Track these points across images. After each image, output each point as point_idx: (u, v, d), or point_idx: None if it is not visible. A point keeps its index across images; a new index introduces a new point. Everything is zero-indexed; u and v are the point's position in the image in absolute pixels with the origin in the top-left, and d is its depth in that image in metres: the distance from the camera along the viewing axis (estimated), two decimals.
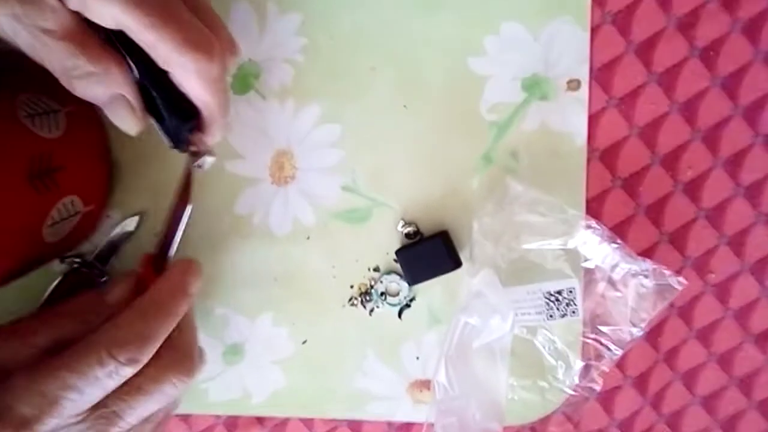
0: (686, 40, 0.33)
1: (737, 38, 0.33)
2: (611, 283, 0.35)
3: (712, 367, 0.37)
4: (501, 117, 0.35)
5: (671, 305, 0.37)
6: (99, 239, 0.37)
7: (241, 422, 0.40)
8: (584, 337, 0.36)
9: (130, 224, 0.37)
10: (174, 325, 0.31)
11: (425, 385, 0.39)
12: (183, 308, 0.31)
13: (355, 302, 0.38)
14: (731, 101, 0.34)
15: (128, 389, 0.29)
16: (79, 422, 0.28)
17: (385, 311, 0.38)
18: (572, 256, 0.35)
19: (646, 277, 0.34)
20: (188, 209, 0.32)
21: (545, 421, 0.38)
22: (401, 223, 0.36)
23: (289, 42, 0.35)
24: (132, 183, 0.37)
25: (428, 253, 0.36)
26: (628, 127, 0.34)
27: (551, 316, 0.35)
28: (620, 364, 0.38)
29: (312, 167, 0.36)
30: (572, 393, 0.37)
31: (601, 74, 0.34)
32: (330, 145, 0.36)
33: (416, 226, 0.36)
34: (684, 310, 0.37)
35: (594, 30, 0.33)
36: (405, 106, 0.35)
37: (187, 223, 0.33)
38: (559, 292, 0.35)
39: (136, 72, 0.28)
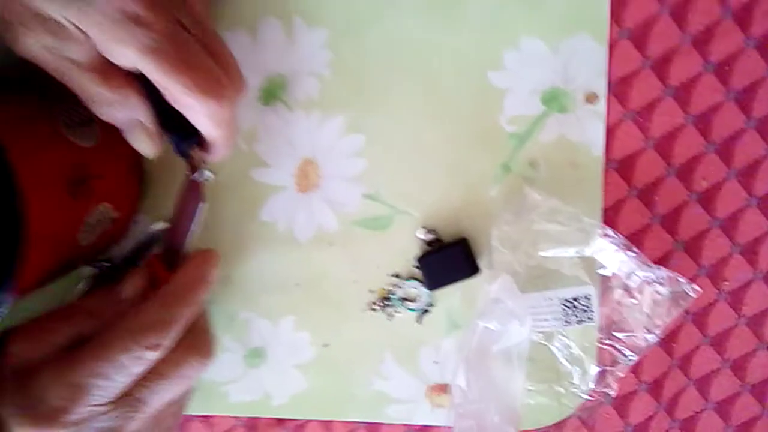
0: (701, 55, 0.34)
1: (751, 54, 0.34)
2: (627, 290, 0.36)
3: (726, 373, 0.38)
4: (520, 128, 0.36)
5: (686, 312, 0.38)
6: (126, 243, 0.38)
7: (261, 424, 0.41)
8: (600, 343, 0.37)
9: (157, 228, 0.39)
10: (195, 311, 0.32)
11: (443, 389, 0.39)
12: (203, 296, 0.33)
13: (376, 307, 0.39)
14: (744, 115, 0.35)
15: (150, 375, 0.31)
16: (106, 412, 0.29)
17: (405, 316, 0.39)
18: (589, 263, 0.36)
19: (661, 284, 0.35)
20: (201, 207, 0.34)
21: (560, 425, 0.39)
22: (422, 230, 0.37)
23: (315, 55, 0.36)
24: (159, 189, 0.38)
25: (448, 259, 0.37)
26: (644, 139, 0.35)
27: (568, 322, 0.36)
28: (635, 370, 0.38)
29: (336, 176, 0.37)
30: (588, 398, 0.38)
31: (618, 88, 0.35)
32: (354, 155, 0.37)
33: (436, 234, 0.37)
34: (698, 317, 0.38)
35: (612, 45, 0.34)
36: (426, 117, 0.36)
37: (211, 227, 0.34)
38: (575, 299, 0.36)
39: None
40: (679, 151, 0.35)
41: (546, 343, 0.37)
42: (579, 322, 0.36)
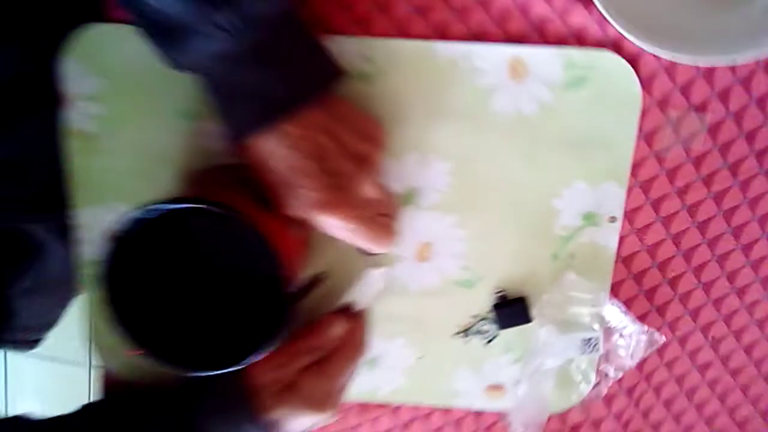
0: (680, 200, 0.56)
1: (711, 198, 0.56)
2: (621, 335, 0.58)
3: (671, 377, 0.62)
4: (567, 233, 0.56)
5: (658, 354, 0.60)
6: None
7: (370, 407, 0.62)
8: (599, 365, 0.59)
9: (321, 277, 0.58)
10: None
11: (496, 387, 0.61)
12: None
13: (460, 335, 0.60)
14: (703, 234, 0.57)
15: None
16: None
17: (478, 342, 0.60)
18: (599, 318, 0.58)
19: (642, 333, 0.57)
20: (382, 274, 0.54)
21: (568, 411, 0.62)
22: (496, 290, 0.58)
23: (440, 178, 0.55)
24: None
25: (511, 310, 0.58)
26: (640, 246, 0.57)
27: (583, 352, 0.58)
28: (619, 382, 0.61)
29: (443, 253, 0.57)
30: (586, 396, 0.60)
31: (630, 215, 0.56)
32: (457, 241, 0.57)
33: (505, 293, 0.58)
34: (661, 351, 0.61)
35: (629, 189, 0.55)
36: (508, 222, 0.56)
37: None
38: (589, 339, 0.58)
39: None
40: (660, 254, 0.57)
41: (568, 365, 0.59)
42: (590, 353, 0.58)
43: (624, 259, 0.58)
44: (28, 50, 0.53)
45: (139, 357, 0.51)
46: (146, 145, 0.56)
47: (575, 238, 0.57)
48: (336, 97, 0.47)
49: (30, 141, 0.56)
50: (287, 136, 0.45)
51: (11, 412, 0.56)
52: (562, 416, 0.62)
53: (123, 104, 0.55)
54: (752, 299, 0.59)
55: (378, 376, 0.61)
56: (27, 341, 0.74)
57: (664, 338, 0.58)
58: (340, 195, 0.46)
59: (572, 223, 0.56)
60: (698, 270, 0.58)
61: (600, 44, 0.52)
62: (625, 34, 0.48)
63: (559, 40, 0.52)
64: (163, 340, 0.49)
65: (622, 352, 0.59)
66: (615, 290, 0.58)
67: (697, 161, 0.55)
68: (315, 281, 0.58)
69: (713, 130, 0.54)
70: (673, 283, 0.58)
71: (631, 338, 0.58)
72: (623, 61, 0.52)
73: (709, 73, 0.52)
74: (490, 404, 0.62)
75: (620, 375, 0.60)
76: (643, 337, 0.58)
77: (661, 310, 0.59)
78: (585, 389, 0.61)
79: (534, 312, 0.58)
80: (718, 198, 0.56)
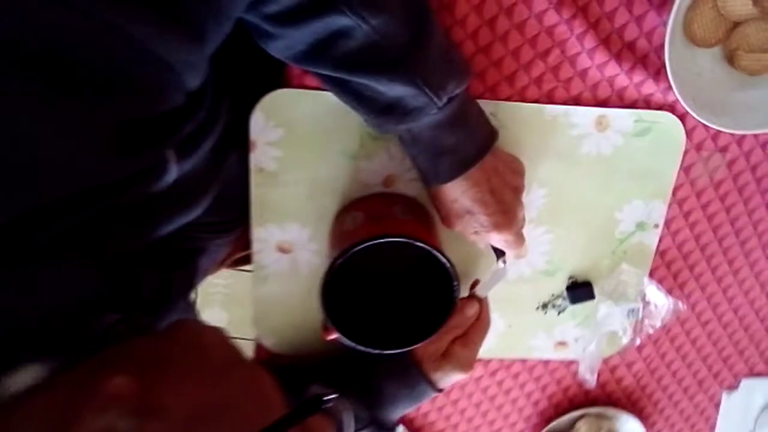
0: (704, 215, 0.78)
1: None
2: (655, 305, 0.81)
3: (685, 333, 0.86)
4: (622, 237, 0.78)
5: (678, 316, 0.84)
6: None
7: None
8: (637, 325, 0.83)
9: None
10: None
11: (562, 343, 0.84)
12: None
13: (541, 308, 0.81)
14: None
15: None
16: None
17: (552, 313, 0.82)
18: (641, 294, 0.81)
19: (668, 304, 0.81)
20: (505, 270, 0.73)
21: (611, 357, 0.86)
22: (569, 276, 0.80)
23: (538, 200, 0.75)
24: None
25: (580, 290, 0.80)
26: (672, 244, 0.79)
27: (628, 317, 0.81)
28: (648, 336, 0.85)
29: (535, 252, 0.78)
30: (624, 346, 0.84)
31: (667, 223, 0.78)
32: (545, 243, 0.78)
33: (575, 278, 0.80)
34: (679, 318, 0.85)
35: (669, 205, 0.77)
36: (581, 228, 0.77)
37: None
38: (633, 309, 0.81)
39: None
40: (685, 249, 0.80)
41: (615, 327, 0.83)
42: (633, 317, 0.81)
43: (660, 253, 0.80)
44: (234, 103, 0.67)
45: (331, 341, 0.70)
46: (314, 178, 0.72)
47: (629, 240, 0.79)
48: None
49: (230, 177, 0.71)
50: (472, 179, 0.63)
51: None
52: (606, 360, 0.86)
53: (297, 148, 0.71)
54: (743, 277, 0.83)
55: None
56: None
57: (685, 307, 0.82)
58: (506, 217, 0.66)
59: (628, 229, 0.78)
60: (709, 258, 0.82)
61: (660, 107, 0.72)
62: (682, 103, 0.68)
63: (632, 104, 0.72)
64: (363, 329, 0.67)
65: (654, 317, 0.82)
66: (652, 274, 0.81)
67: (717, 186, 0.77)
68: (495, 277, 0.76)
69: (730, 164, 0.76)
70: (691, 268, 0.82)
71: (661, 307, 0.82)
72: (676, 118, 0.72)
73: None
74: (557, 355, 0.85)
75: (651, 332, 0.84)
76: (670, 307, 0.81)
77: (681, 286, 0.83)
78: (624, 342, 0.84)
79: (596, 291, 0.80)
80: (728, 210, 0.78)
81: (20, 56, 0.35)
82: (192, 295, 0.80)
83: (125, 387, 0.38)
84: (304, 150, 0.71)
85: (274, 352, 0.81)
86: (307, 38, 0.56)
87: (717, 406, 0.92)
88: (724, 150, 0.75)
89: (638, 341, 0.84)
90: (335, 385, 0.72)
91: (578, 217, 0.77)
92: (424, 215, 0.73)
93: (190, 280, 0.74)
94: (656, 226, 0.78)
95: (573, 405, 0.89)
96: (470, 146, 0.63)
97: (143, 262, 0.55)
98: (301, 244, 0.75)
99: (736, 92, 0.71)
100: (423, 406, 0.86)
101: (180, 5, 0.41)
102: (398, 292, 0.74)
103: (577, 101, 0.71)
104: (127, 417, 0.37)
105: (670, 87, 0.64)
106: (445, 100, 0.59)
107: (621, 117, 0.72)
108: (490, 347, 0.83)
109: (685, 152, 0.74)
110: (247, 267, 0.84)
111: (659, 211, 0.77)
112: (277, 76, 0.69)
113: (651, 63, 0.69)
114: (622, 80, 0.70)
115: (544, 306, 0.82)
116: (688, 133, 0.73)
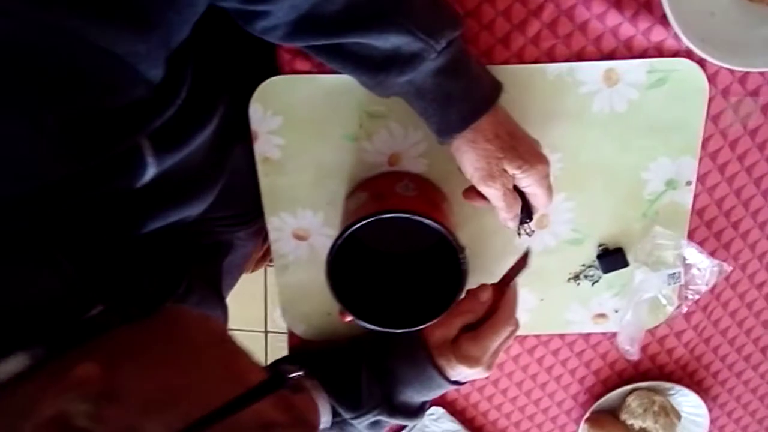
0: (742, 167, 0.72)
1: None
2: (697, 268, 0.76)
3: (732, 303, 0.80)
4: (652, 197, 0.73)
5: (725, 279, 0.78)
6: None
7: None
8: (681, 291, 0.78)
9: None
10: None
11: (601, 315, 0.80)
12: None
13: (572, 279, 0.78)
14: None
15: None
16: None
17: (586, 284, 0.78)
18: (680, 257, 0.75)
19: (713, 266, 0.75)
20: (530, 256, 0.70)
21: (657, 327, 0.81)
22: (599, 244, 0.76)
23: (552, 165, 0.72)
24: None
25: (612, 258, 0.76)
26: (709, 200, 0.74)
27: (669, 283, 0.76)
28: (696, 302, 0.79)
29: (557, 221, 0.75)
30: (670, 315, 0.79)
31: (701, 178, 0.72)
32: (568, 211, 0.74)
33: (606, 246, 0.76)
34: (727, 277, 0.78)
35: (700, 160, 0.71)
36: (607, 191, 0.73)
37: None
38: (673, 273, 0.76)
39: None
40: (725, 205, 0.74)
41: (657, 294, 0.78)
42: (675, 282, 0.76)
43: (697, 212, 0.75)
44: (233, 98, 0.69)
45: (348, 322, 0.71)
46: (319, 163, 0.73)
47: (660, 200, 0.74)
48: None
49: (236, 169, 0.73)
50: (489, 124, 0.61)
51: None
52: (652, 331, 0.81)
53: (298, 133, 0.71)
54: None
55: None
56: None
57: (730, 268, 0.76)
58: (537, 152, 0.63)
59: (657, 189, 0.73)
60: (755, 214, 0.75)
61: (675, 53, 0.67)
62: (693, 48, 0.63)
63: (643, 53, 0.67)
64: (370, 308, 0.67)
65: (698, 281, 0.77)
66: (691, 235, 0.76)
67: (752, 133, 0.71)
68: (522, 261, 0.73)
69: (765, 108, 0.69)
70: (735, 225, 0.76)
71: (705, 270, 0.76)
72: (694, 64, 0.67)
73: None
74: (596, 328, 0.81)
75: (697, 297, 0.78)
76: (715, 269, 0.75)
77: (726, 246, 0.77)
78: (669, 310, 0.79)
79: (630, 258, 0.76)
80: None
81: None
82: (225, 290, 0.83)
83: (90, 373, 0.40)
84: (305, 134, 0.71)
85: (306, 339, 0.82)
86: (288, 12, 0.56)
87: None
88: (755, 93, 0.69)
89: (684, 308, 0.79)
90: (355, 365, 0.73)
91: (600, 180, 0.73)
92: (431, 191, 0.71)
93: (212, 275, 0.76)
94: (689, 183, 0.73)
95: (623, 380, 0.85)
96: (477, 92, 0.61)
97: (141, 256, 0.57)
98: (316, 229, 0.76)
99: (758, 28, 0.65)
100: (463, 388, 0.84)
101: None
102: (413, 272, 0.73)
103: (580, 57, 0.67)
104: (85, 401, 0.39)
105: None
106: (443, 43, 0.57)
107: (631, 69, 0.68)
108: (524, 323, 0.80)
109: (710, 100, 0.69)
110: None
111: (690, 166, 0.72)
112: (273, 65, 0.70)
113: (656, 6, 0.65)
114: (626, 29, 0.66)
115: (576, 277, 0.78)
116: (711, 79, 0.68)
